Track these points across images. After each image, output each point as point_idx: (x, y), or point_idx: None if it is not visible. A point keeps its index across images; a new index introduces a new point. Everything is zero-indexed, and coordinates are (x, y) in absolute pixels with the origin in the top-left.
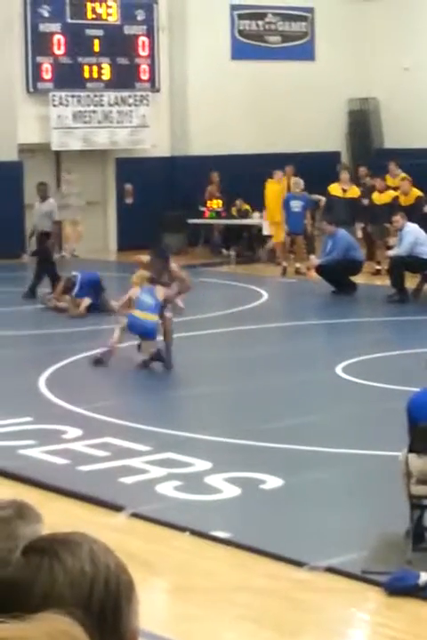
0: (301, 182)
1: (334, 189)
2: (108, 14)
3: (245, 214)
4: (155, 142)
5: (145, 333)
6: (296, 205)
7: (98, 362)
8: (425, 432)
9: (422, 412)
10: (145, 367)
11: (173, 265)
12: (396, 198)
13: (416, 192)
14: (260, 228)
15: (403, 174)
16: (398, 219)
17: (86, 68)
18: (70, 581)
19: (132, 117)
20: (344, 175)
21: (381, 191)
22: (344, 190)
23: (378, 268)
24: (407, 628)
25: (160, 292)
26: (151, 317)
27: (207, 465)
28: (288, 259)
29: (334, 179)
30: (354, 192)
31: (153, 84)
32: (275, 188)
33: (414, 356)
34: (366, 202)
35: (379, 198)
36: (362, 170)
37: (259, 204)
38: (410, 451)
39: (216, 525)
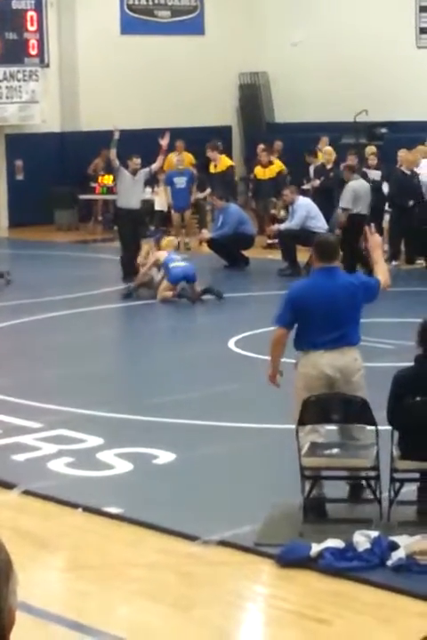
0: (183, 159)
1: (211, 166)
2: None
3: None
4: (45, 118)
5: (188, 278)
6: (180, 182)
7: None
8: (313, 405)
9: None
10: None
11: None
12: (280, 173)
13: (279, 165)
14: (152, 203)
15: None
16: (287, 193)
17: None
18: None
19: (21, 93)
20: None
21: (264, 166)
22: (215, 165)
23: (270, 241)
24: (300, 599)
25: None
26: (187, 263)
27: (99, 441)
28: (181, 234)
29: (227, 152)
30: (224, 165)
31: (42, 59)
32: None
33: None
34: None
35: (263, 173)
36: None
37: (150, 180)
38: (299, 423)
39: (109, 501)
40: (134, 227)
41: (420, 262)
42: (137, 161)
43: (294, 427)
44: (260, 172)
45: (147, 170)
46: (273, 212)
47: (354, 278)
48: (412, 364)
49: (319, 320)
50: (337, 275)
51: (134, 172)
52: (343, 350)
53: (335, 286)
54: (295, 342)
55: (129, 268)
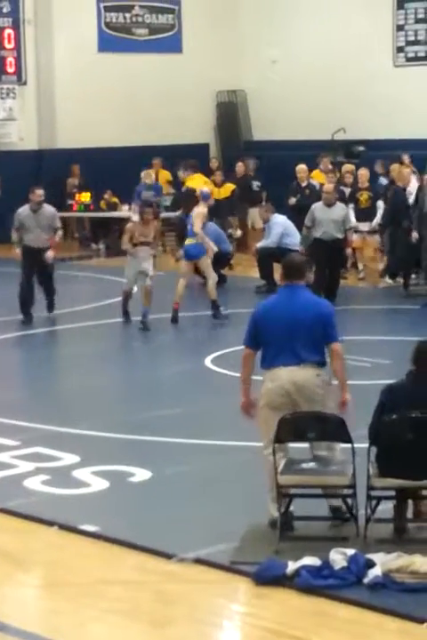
0: (152, 174)
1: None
2: None
3: (113, 207)
4: (22, 135)
5: (199, 255)
6: (148, 196)
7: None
8: (289, 423)
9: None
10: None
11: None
12: (234, 191)
13: (230, 186)
14: (129, 221)
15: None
16: (262, 210)
17: None
18: None
19: None
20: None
21: (219, 185)
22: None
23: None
24: (276, 618)
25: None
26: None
27: (75, 459)
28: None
29: (203, 170)
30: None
31: (20, 76)
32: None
33: None
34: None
35: (218, 193)
36: (239, 165)
37: (127, 197)
38: (276, 441)
39: (84, 519)
40: (39, 267)
41: (398, 280)
42: (39, 193)
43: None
44: (215, 192)
45: (54, 214)
46: (230, 231)
47: (321, 304)
48: (390, 381)
49: (278, 337)
50: (299, 293)
51: (36, 207)
52: (303, 366)
53: (295, 304)
54: (261, 362)
55: (25, 305)
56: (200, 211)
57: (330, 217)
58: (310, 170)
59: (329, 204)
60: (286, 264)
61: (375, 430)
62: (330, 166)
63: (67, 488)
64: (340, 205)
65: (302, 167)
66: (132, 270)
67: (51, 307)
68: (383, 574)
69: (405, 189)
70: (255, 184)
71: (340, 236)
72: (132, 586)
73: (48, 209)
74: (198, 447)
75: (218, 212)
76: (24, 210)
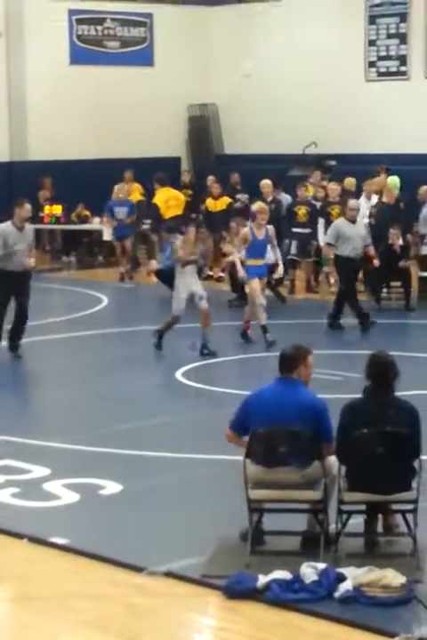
0: (125, 188)
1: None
2: None
3: (85, 220)
4: None
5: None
6: (120, 212)
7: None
8: (260, 438)
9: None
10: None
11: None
12: (230, 204)
13: (227, 199)
14: (100, 233)
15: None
16: (234, 224)
17: None
18: None
19: None
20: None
21: (216, 198)
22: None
23: (222, 274)
24: (247, 631)
25: None
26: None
27: (46, 471)
28: (125, 264)
29: (174, 184)
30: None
31: None
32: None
33: (253, 360)
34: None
35: (214, 205)
36: (210, 179)
37: (99, 210)
38: (246, 456)
39: (55, 532)
40: (18, 291)
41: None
42: (28, 208)
43: (241, 458)
44: (211, 205)
45: (32, 231)
46: (220, 246)
47: (313, 402)
48: (360, 395)
49: (262, 436)
50: (289, 390)
51: (22, 225)
52: (282, 471)
53: (281, 403)
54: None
55: None
56: (243, 231)
57: (358, 233)
58: (277, 184)
59: (353, 220)
60: (280, 357)
61: (342, 448)
62: (319, 179)
63: (37, 501)
64: (360, 221)
65: (266, 182)
66: (184, 292)
67: (17, 345)
68: (354, 588)
69: (390, 206)
70: (244, 197)
71: (362, 252)
72: (103, 599)
73: (28, 227)
74: (169, 460)
75: (211, 224)
76: (8, 227)
